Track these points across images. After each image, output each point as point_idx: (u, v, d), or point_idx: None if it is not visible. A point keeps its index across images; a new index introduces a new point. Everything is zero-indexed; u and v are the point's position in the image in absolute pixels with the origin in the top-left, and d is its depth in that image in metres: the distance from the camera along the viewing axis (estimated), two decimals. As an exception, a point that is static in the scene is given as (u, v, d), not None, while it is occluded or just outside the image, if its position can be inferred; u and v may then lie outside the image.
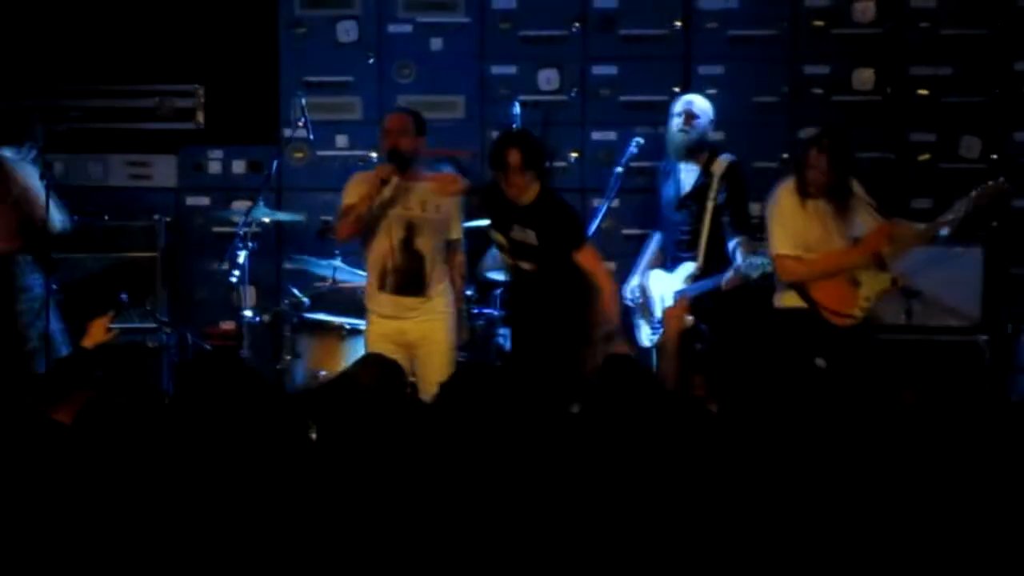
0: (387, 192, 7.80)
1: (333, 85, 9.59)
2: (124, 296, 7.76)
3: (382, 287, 7.88)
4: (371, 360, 6.37)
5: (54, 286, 8.53)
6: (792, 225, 7.82)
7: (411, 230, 7.83)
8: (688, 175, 8.55)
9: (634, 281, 8.74)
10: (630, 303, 8.69)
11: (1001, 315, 8.84)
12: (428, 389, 7.22)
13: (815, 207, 7.78)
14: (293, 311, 8.70)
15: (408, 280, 7.84)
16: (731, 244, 8.33)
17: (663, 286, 8.60)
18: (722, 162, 8.45)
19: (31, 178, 8.39)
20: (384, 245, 7.85)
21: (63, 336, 8.38)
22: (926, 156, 9.25)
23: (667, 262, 8.66)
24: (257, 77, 9.76)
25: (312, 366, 8.69)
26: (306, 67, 9.59)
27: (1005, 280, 9.00)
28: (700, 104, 8.57)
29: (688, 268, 8.45)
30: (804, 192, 7.75)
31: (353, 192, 7.85)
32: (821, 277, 7.80)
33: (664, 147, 8.68)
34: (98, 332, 6.97)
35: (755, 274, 8.03)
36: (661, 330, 8.53)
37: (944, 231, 7.76)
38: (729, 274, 8.16)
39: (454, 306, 8.01)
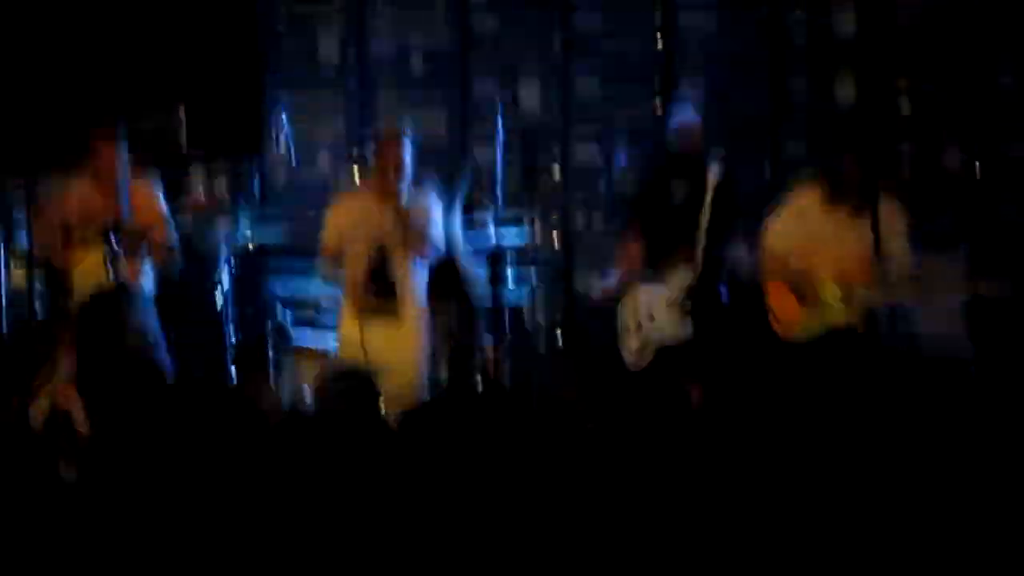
0: (364, 217, 7.95)
1: (315, 105, 9.58)
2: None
3: (355, 304, 8.00)
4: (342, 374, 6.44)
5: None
6: (797, 226, 7.90)
7: (383, 253, 7.94)
8: (680, 186, 8.57)
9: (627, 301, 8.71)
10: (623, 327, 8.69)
11: (987, 329, 8.84)
12: (393, 403, 7.28)
13: (834, 213, 7.81)
14: (277, 333, 8.67)
15: (381, 302, 7.97)
16: (731, 250, 8.38)
17: (650, 299, 8.57)
18: (714, 172, 8.48)
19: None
20: (356, 267, 7.97)
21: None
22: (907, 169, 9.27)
23: (648, 271, 8.66)
24: (239, 96, 9.72)
25: (299, 386, 8.68)
26: (288, 87, 9.57)
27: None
28: (691, 118, 8.59)
29: (684, 276, 8.45)
30: (833, 198, 7.79)
31: (334, 229, 8.04)
32: (780, 268, 7.89)
33: (645, 159, 8.72)
34: None
35: None
36: (644, 353, 8.54)
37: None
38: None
39: (427, 321, 8.08)
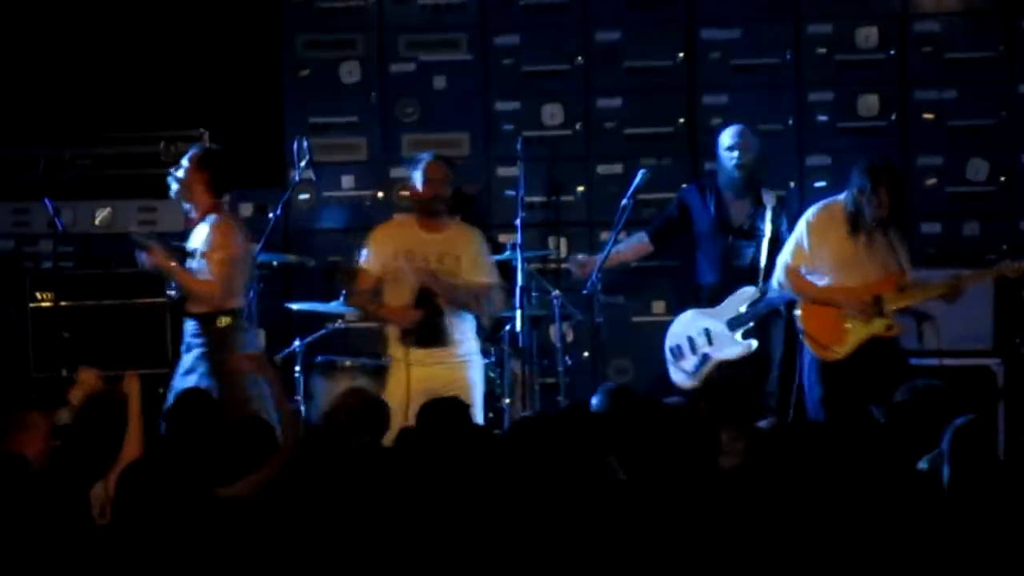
0: (407, 245, 7.86)
1: (337, 126, 9.59)
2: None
3: (403, 339, 7.86)
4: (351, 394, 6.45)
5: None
6: (815, 244, 7.98)
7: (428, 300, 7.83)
8: (739, 206, 8.59)
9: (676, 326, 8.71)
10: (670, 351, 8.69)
11: (1014, 339, 8.80)
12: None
13: (859, 233, 7.82)
14: (303, 352, 8.68)
15: (428, 332, 7.83)
16: None
17: (705, 320, 8.57)
18: (772, 192, 8.52)
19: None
20: (402, 297, 7.87)
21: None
22: (933, 181, 9.23)
23: (704, 288, 8.68)
24: (261, 120, 9.76)
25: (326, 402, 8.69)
26: (310, 109, 9.59)
27: (1017, 303, 8.95)
28: (747, 134, 8.61)
29: (747, 293, 8.45)
30: (854, 223, 7.78)
31: (376, 252, 7.94)
32: (811, 300, 7.88)
33: (665, 177, 8.82)
34: (88, 381, 6.87)
35: None
36: (699, 371, 8.54)
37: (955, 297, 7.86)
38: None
39: (478, 354, 8.02)
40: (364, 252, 8.05)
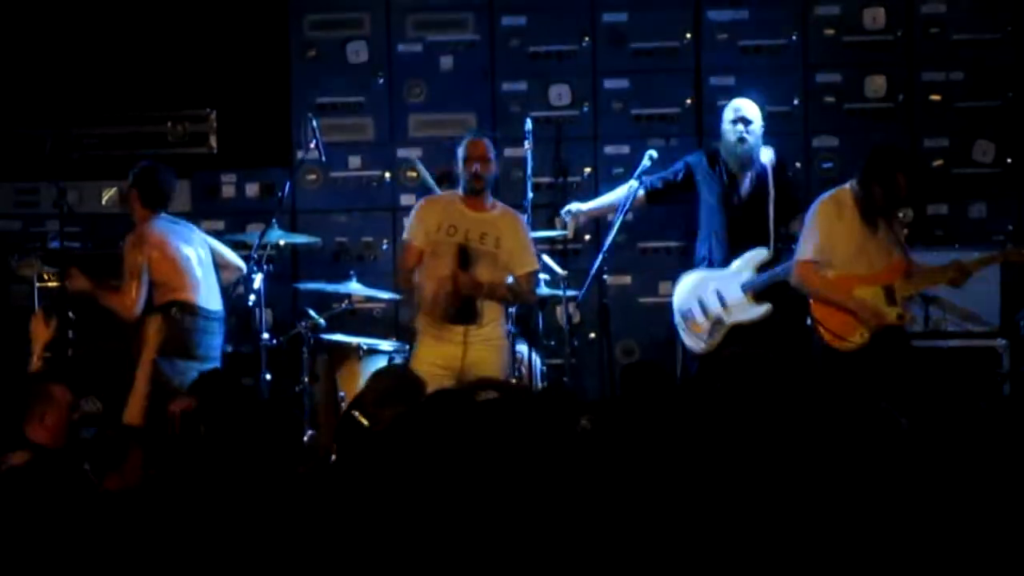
0: (450, 220, 7.86)
1: (344, 106, 9.59)
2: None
3: (433, 312, 7.83)
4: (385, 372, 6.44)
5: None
6: (825, 236, 7.91)
7: (468, 259, 7.80)
8: (744, 177, 8.61)
9: (685, 291, 8.69)
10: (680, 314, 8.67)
11: (1019, 320, 8.80)
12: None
13: (871, 222, 7.82)
14: (310, 333, 8.69)
15: (460, 309, 7.78)
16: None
17: (717, 283, 8.55)
18: (768, 153, 8.53)
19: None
20: (440, 271, 7.82)
21: None
22: (939, 162, 9.22)
23: (711, 262, 8.67)
24: (268, 100, 9.76)
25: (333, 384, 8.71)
26: (317, 89, 9.59)
27: (1023, 285, 8.96)
28: (750, 108, 8.62)
29: (759, 254, 8.45)
30: (868, 211, 7.78)
31: (419, 227, 7.93)
32: (827, 296, 7.87)
33: (672, 157, 8.89)
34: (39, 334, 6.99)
35: None
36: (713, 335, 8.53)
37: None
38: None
39: (508, 337, 7.99)
40: (409, 224, 8.04)
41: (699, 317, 8.57)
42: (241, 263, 8.62)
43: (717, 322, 8.52)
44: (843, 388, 7.78)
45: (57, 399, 6.32)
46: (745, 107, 8.66)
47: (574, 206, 8.92)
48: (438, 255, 7.85)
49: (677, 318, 8.66)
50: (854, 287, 7.87)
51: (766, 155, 8.58)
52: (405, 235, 8.05)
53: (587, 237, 9.34)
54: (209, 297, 8.36)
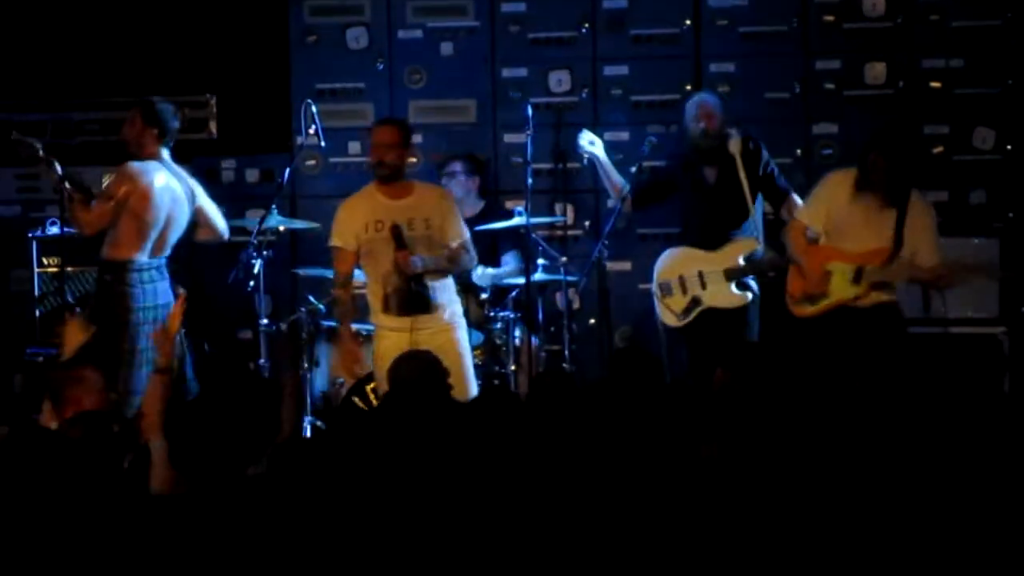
0: (375, 216, 7.78)
1: (344, 92, 9.60)
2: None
3: (386, 309, 7.79)
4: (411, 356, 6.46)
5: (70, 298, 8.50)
6: (820, 201, 7.94)
7: (403, 239, 7.70)
8: (711, 170, 8.59)
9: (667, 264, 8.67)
10: (659, 286, 8.65)
11: (1019, 307, 8.81)
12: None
13: (861, 200, 7.79)
14: (310, 319, 8.69)
15: (410, 300, 7.73)
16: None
17: (701, 264, 8.53)
18: (734, 140, 8.50)
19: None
20: (382, 267, 7.78)
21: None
22: (939, 149, 9.22)
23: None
24: (268, 86, 9.77)
25: (332, 373, 8.72)
26: (317, 75, 9.60)
27: (1023, 272, 8.96)
28: (712, 101, 8.60)
29: (748, 245, 8.46)
30: (861, 186, 7.77)
31: (347, 230, 7.84)
32: (793, 254, 7.94)
33: (675, 146, 8.75)
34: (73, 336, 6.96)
35: None
36: (688, 314, 8.52)
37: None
38: None
39: (461, 316, 7.95)
40: (335, 230, 7.92)
41: (676, 292, 8.56)
42: (224, 228, 8.37)
43: (694, 302, 8.53)
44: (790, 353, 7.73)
45: (91, 381, 6.30)
46: (707, 100, 8.64)
47: (594, 147, 8.89)
48: (374, 253, 7.80)
49: (655, 288, 8.65)
50: (830, 258, 7.85)
51: (734, 144, 8.52)
52: (334, 241, 7.91)
53: (587, 223, 9.35)
54: (153, 250, 8.09)
